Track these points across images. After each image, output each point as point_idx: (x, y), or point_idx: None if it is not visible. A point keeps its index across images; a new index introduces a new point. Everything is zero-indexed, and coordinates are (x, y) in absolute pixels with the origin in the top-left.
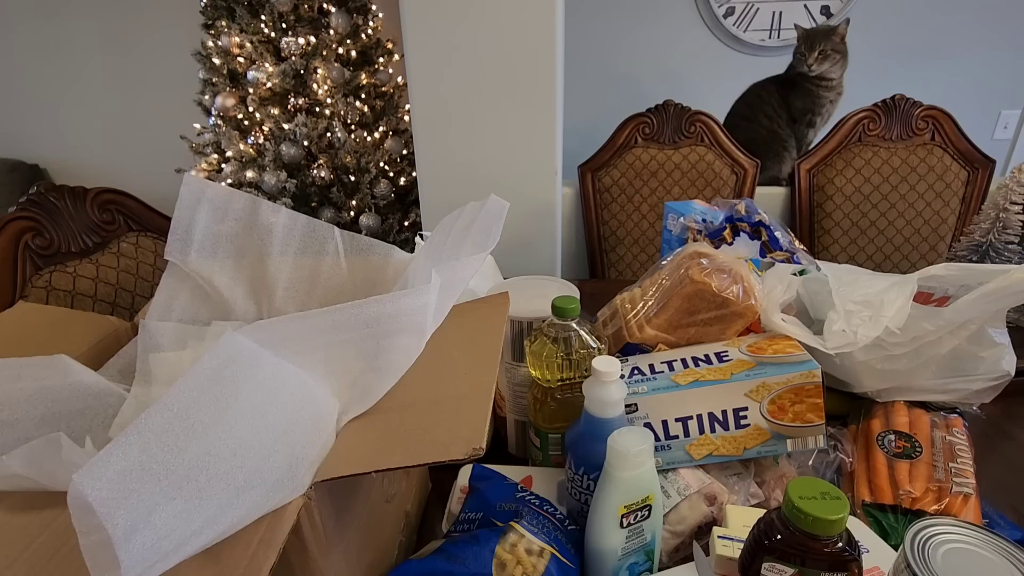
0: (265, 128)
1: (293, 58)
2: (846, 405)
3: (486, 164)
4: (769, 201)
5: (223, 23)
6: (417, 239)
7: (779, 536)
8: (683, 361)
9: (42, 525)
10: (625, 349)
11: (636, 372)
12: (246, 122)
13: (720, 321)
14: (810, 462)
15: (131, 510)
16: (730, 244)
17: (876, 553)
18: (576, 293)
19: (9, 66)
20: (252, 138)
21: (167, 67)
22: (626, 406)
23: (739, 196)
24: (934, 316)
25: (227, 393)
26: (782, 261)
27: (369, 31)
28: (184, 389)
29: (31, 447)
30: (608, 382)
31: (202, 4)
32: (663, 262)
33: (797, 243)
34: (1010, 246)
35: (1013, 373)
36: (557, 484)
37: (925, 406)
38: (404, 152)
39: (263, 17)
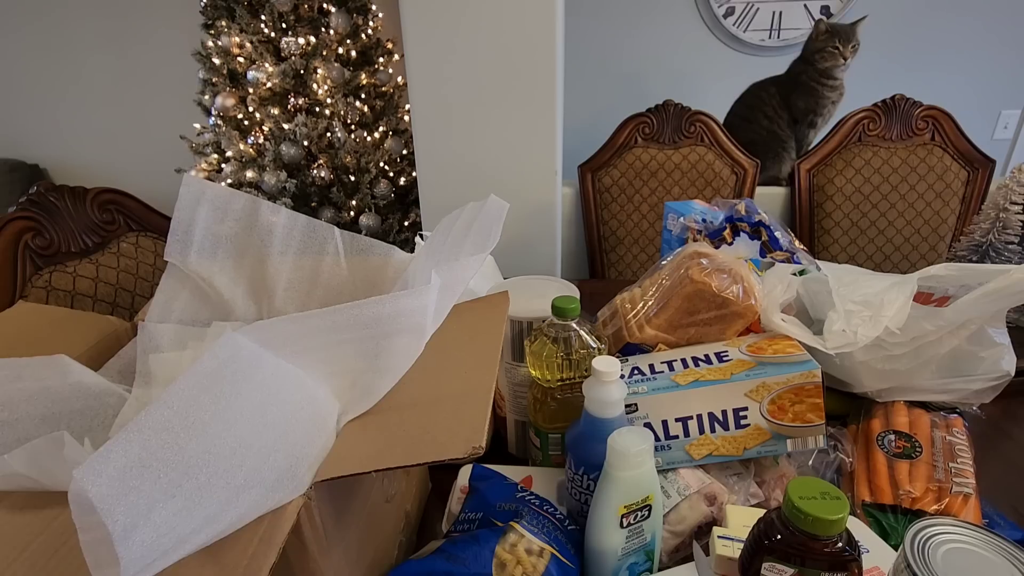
0: (265, 128)
1: (293, 58)
2: (846, 405)
3: (486, 164)
4: (769, 201)
5: (223, 23)
6: (417, 239)
7: (779, 536)
8: (683, 361)
9: (42, 525)
10: (625, 349)
11: (636, 372)
12: (246, 122)
13: (720, 321)
14: (810, 462)
15: (131, 507)
16: (730, 244)
17: (876, 553)
18: (576, 293)
19: (9, 66)
20: (252, 138)
21: (167, 67)
22: (626, 406)
23: (739, 196)
24: (934, 316)
25: (227, 392)
26: (782, 261)
27: (369, 31)
28: (184, 387)
29: (33, 446)
30: (608, 382)
31: (202, 4)
32: (663, 262)
33: (797, 243)
34: (1010, 246)
35: (1013, 373)
36: (557, 484)
37: (925, 406)
38: (404, 152)
39: (263, 17)
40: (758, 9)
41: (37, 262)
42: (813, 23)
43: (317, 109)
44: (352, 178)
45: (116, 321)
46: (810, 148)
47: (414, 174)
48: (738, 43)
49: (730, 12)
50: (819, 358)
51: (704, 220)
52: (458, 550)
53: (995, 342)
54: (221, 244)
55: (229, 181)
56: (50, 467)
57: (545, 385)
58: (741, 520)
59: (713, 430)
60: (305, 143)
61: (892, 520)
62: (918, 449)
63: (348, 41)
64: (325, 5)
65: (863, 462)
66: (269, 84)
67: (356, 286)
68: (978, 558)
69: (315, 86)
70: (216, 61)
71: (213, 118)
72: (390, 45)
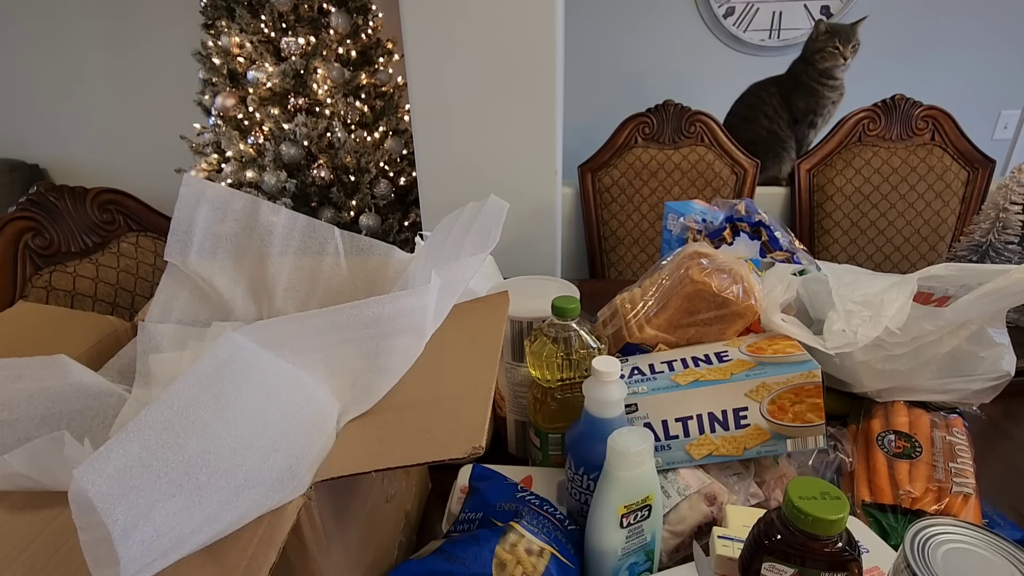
0: (265, 128)
1: (293, 58)
2: (846, 405)
3: (486, 164)
4: (769, 201)
5: (223, 23)
6: (417, 239)
7: (779, 536)
8: (683, 361)
9: (42, 525)
10: (625, 349)
11: (636, 372)
12: (246, 122)
13: (720, 321)
14: (810, 462)
15: (131, 507)
16: (730, 244)
17: (876, 553)
18: (576, 293)
19: (9, 66)
20: (252, 138)
21: (167, 67)
22: (626, 406)
23: (739, 196)
24: (934, 316)
25: (227, 392)
26: (782, 261)
27: (369, 31)
28: (184, 387)
29: (33, 446)
30: (608, 382)
31: (202, 4)
32: (663, 262)
33: (797, 243)
34: (1010, 246)
35: (1013, 373)
36: (557, 484)
37: (925, 406)
38: (404, 152)
39: (263, 17)
40: (758, 9)
41: (37, 262)
42: (813, 23)
43: (317, 109)
44: (352, 178)
45: (116, 321)
46: (810, 148)
47: (414, 174)
48: (738, 43)
49: (730, 12)
50: (819, 358)
51: (704, 220)
52: (458, 550)
53: (995, 342)
54: (221, 244)
55: (229, 181)
56: (50, 467)
57: (545, 385)
58: (741, 520)
59: (713, 430)
60: (305, 143)
61: (892, 520)
62: (918, 449)
63: (348, 41)
64: (325, 5)
65: (863, 462)
66: (269, 84)
67: (356, 286)
68: (978, 558)
69: (315, 86)
70: (216, 61)
71: (213, 118)
72: (390, 45)
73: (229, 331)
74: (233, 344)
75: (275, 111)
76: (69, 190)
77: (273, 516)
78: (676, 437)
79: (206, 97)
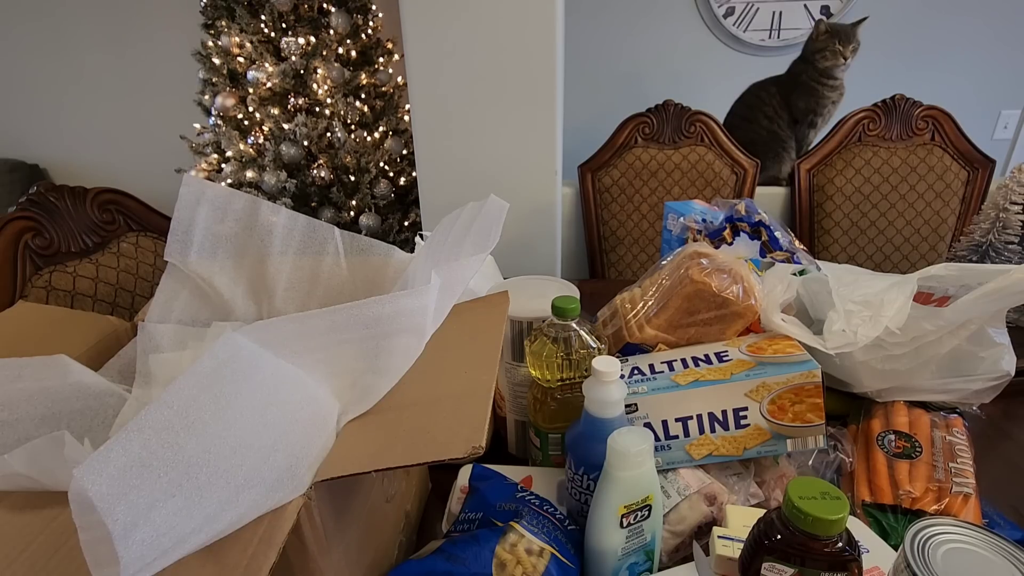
0: (265, 128)
1: (293, 58)
2: (846, 405)
3: (486, 164)
4: (769, 201)
5: (223, 23)
6: (417, 239)
7: (779, 536)
8: (683, 361)
9: (42, 525)
10: (625, 349)
11: (636, 372)
12: (246, 122)
13: (720, 321)
14: (810, 462)
15: (131, 506)
16: (730, 244)
17: (876, 553)
18: (576, 293)
19: (9, 66)
20: (252, 138)
21: (167, 67)
22: (626, 406)
23: (739, 196)
24: (934, 316)
25: (227, 392)
26: (782, 261)
27: (369, 31)
28: (184, 387)
29: (33, 445)
30: (608, 382)
31: (202, 4)
32: (663, 262)
33: (797, 243)
34: (1010, 246)
35: (1013, 373)
36: (557, 484)
37: (925, 406)
38: (404, 152)
39: (263, 17)
40: (758, 9)
41: (37, 262)
42: (813, 23)
43: (317, 109)
44: (352, 178)
45: (116, 321)
46: (810, 148)
47: (414, 174)
48: (738, 43)
49: (730, 12)
50: (819, 358)
51: (704, 220)
52: (458, 550)
53: (995, 342)
54: (221, 244)
55: (229, 181)
56: (50, 467)
57: (545, 385)
58: (741, 520)
59: (713, 430)
60: (305, 143)
61: (892, 520)
62: (918, 449)
63: (348, 41)
64: (325, 5)
65: (863, 462)
66: (269, 84)
67: (356, 286)
68: (978, 558)
69: (315, 86)
70: (216, 61)
71: (213, 118)
72: (390, 45)
73: (229, 331)
74: (233, 344)
75: (275, 111)
76: (69, 190)
77: (273, 516)
78: (676, 437)
79: (206, 97)
